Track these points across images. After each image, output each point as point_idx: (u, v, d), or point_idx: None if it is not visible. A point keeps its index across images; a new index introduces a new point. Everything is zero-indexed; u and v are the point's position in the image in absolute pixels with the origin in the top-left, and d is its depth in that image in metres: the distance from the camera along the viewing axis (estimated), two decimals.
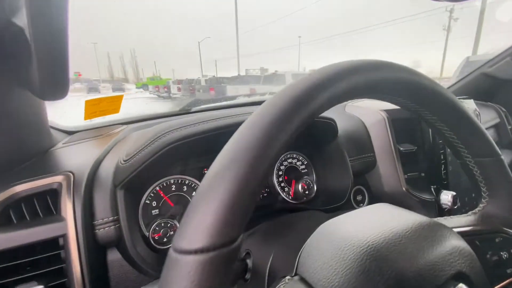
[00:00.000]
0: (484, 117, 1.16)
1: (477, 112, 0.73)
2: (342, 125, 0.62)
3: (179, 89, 12.11)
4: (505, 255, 0.30)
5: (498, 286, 0.29)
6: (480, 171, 0.32)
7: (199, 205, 0.14)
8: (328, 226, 0.24)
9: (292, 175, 0.61)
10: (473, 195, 0.62)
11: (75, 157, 0.44)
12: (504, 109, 1.29)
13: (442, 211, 0.59)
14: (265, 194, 0.59)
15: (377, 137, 0.61)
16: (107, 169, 0.41)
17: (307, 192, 0.61)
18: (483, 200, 0.33)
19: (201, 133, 0.40)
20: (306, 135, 0.60)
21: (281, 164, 0.61)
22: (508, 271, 0.30)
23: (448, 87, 1.39)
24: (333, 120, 0.53)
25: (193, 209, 0.14)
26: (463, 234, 0.30)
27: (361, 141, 0.61)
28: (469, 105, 0.72)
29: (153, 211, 0.44)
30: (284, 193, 0.60)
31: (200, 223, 0.14)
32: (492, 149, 0.31)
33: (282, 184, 0.60)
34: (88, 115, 0.60)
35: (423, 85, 0.26)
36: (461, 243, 0.25)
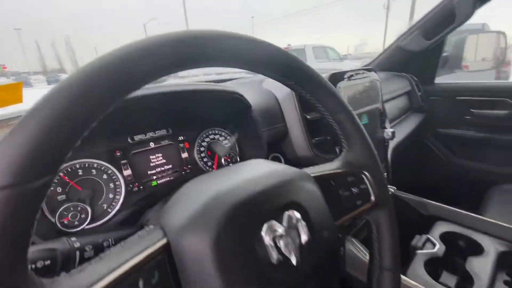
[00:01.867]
0: (397, 85, 1.33)
1: (378, 82, 0.83)
2: (257, 99, 0.66)
3: None
4: (355, 191, 0.37)
5: (351, 214, 0.36)
6: (338, 125, 0.38)
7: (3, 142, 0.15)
8: (189, 183, 0.28)
9: (214, 150, 0.65)
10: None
11: None
12: (415, 78, 1.48)
13: None
14: (188, 171, 0.61)
15: (287, 108, 0.67)
16: None
17: (230, 164, 0.65)
18: (343, 149, 0.40)
19: None
20: (224, 110, 0.63)
21: (203, 141, 0.64)
22: (358, 202, 0.37)
23: (372, 62, 1.54)
24: (238, 93, 0.56)
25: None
26: (321, 177, 0.36)
27: (273, 113, 0.67)
28: (372, 76, 0.82)
29: (58, 197, 0.44)
30: (207, 168, 0.63)
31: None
32: (343, 106, 0.37)
33: (205, 159, 0.63)
34: None
35: (255, 52, 0.28)
36: (304, 183, 0.30)
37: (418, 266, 0.66)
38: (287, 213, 0.26)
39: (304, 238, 0.26)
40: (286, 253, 0.24)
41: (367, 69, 0.83)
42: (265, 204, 0.26)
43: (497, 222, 0.77)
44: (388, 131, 0.83)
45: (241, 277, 0.22)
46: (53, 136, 0.16)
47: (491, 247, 0.71)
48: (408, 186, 0.99)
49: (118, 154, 0.51)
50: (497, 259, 0.68)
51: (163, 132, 0.57)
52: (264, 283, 0.22)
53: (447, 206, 0.83)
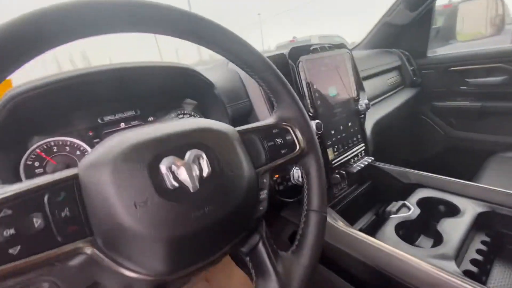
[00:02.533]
0: (384, 61, 1.31)
1: (349, 55, 0.84)
2: (221, 78, 0.71)
3: None
4: (280, 141, 0.40)
5: (276, 161, 0.39)
6: (265, 84, 0.41)
7: None
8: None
9: None
10: None
11: None
12: (407, 53, 1.45)
13: None
14: None
15: (250, 85, 0.70)
16: None
17: None
18: (275, 107, 0.43)
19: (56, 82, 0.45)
20: (187, 89, 0.68)
21: (172, 120, 0.69)
22: (282, 151, 0.40)
23: (361, 41, 1.52)
24: (191, 69, 0.60)
25: None
26: (246, 131, 0.39)
27: (237, 90, 0.70)
28: (342, 50, 0.84)
29: (36, 171, 0.51)
30: None
31: None
32: (266, 65, 0.40)
33: None
34: None
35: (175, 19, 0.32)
36: (220, 132, 0.34)
37: (389, 229, 0.67)
38: (190, 151, 0.30)
39: (205, 171, 0.29)
40: (183, 181, 0.28)
41: (336, 46, 0.84)
42: (168, 144, 0.29)
43: (477, 184, 0.76)
44: (363, 102, 0.84)
45: (135, 197, 0.26)
46: None
47: (469, 208, 0.70)
48: (408, 161, 0.99)
49: (91, 133, 0.57)
50: (475, 220, 0.67)
51: (131, 113, 0.62)
52: (157, 204, 0.26)
53: (427, 173, 0.83)
